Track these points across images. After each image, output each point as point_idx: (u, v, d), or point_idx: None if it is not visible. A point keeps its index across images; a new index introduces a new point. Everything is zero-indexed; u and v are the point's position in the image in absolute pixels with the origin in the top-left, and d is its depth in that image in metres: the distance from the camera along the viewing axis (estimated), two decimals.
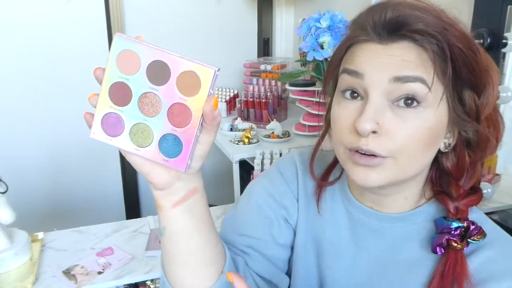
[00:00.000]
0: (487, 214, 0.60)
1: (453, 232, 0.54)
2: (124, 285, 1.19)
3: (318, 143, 0.67)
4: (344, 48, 0.56)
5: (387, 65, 0.50)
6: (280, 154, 1.66)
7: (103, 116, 0.48)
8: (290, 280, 0.71)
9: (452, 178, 0.58)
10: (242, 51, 2.57)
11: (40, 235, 1.28)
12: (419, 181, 0.59)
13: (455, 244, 0.54)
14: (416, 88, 0.50)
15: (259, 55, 2.64)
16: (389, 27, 0.51)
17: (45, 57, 2.18)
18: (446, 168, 0.57)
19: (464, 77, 0.51)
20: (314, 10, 1.37)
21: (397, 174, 0.53)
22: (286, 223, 0.70)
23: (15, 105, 2.19)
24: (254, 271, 0.67)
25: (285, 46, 2.68)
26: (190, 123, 0.47)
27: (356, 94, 0.53)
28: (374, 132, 0.51)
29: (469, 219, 0.55)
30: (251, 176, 1.74)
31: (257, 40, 2.65)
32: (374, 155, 0.52)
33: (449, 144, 0.56)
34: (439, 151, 0.56)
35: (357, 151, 0.52)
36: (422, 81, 0.50)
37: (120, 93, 0.47)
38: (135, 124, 0.48)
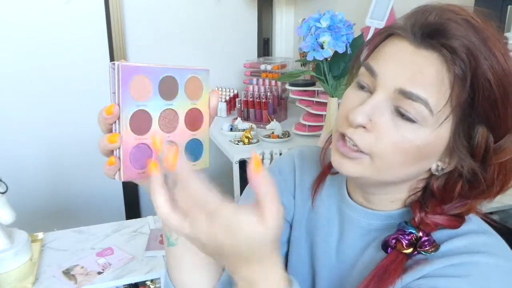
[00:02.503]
0: (487, 214, 0.60)
1: (405, 235, 0.54)
2: (124, 285, 1.19)
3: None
4: (383, 37, 0.54)
5: (401, 72, 0.49)
6: (280, 154, 1.66)
7: (130, 152, 0.45)
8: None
9: (434, 197, 0.56)
10: (242, 51, 2.57)
11: (40, 235, 1.28)
12: (405, 189, 0.59)
13: (400, 247, 0.54)
14: (416, 107, 0.48)
15: (259, 55, 2.64)
16: (426, 31, 0.48)
17: (45, 57, 2.18)
18: (431, 187, 0.56)
19: (480, 112, 0.48)
20: (314, 10, 1.37)
21: (372, 173, 0.54)
22: (283, 220, 0.70)
23: (15, 105, 2.19)
24: None
25: (285, 46, 2.68)
26: (203, 122, 0.51)
27: (366, 88, 0.54)
28: (364, 127, 0.51)
29: (429, 234, 0.54)
30: None
31: (257, 40, 2.65)
32: (355, 147, 0.53)
33: (442, 169, 0.54)
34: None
35: (343, 136, 0.54)
36: (425, 103, 0.48)
37: (140, 121, 0.46)
38: None
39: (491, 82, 0.47)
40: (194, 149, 0.51)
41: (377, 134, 0.51)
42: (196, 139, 0.51)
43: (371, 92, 0.53)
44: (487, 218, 0.59)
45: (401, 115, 0.50)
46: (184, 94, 0.49)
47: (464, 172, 0.53)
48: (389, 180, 0.55)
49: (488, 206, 0.57)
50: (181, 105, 0.49)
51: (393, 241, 0.55)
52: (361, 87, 0.54)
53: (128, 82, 0.44)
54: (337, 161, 0.55)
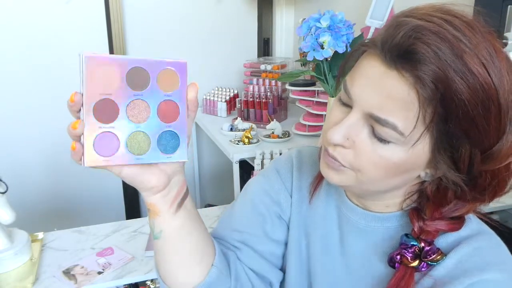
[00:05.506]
0: (487, 214, 0.60)
1: (408, 249, 0.54)
2: (124, 285, 1.19)
3: None
4: (359, 53, 0.54)
5: (371, 96, 0.49)
6: (280, 154, 1.66)
7: (94, 139, 0.46)
8: (284, 275, 0.72)
9: (429, 201, 0.56)
10: (242, 51, 2.57)
11: (40, 235, 1.28)
12: (398, 194, 0.59)
13: (406, 261, 0.54)
14: (386, 131, 0.49)
15: (259, 55, 2.64)
16: (394, 53, 0.47)
17: (44, 57, 2.18)
18: (425, 190, 0.56)
19: (457, 130, 0.47)
20: (314, 10, 1.37)
21: (357, 184, 0.55)
22: (280, 219, 0.71)
23: (15, 105, 2.19)
24: (246, 265, 0.68)
25: (285, 46, 2.68)
26: (180, 115, 0.50)
27: (347, 104, 0.54)
28: (342, 145, 0.52)
29: (431, 242, 0.54)
30: (251, 176, 1.74)
31: (257, 40, 2.65)
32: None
33: (432, 175, 0.53)
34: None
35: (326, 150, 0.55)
36: (394, 127, 0.48)
37: (106, 110, 0.46)
38: (130, 135, 0.48)
39: (466, 101, 0.45)
40: (169, 141, 0.50)
41: (355, 152, 0.52)
42: (171, 130, 0.50)
43: (351, 107, 0.53)
44: (487, 218, 0.59)
45: (376, 135, 0.50)
46: (156, 86, 0.49)
47: (449, 184, 0.53)
48: (375, 190, 0.56)
49: (488, 206, 0.57)
50: (153, 96, 0.49)
51: (398, 257, 0.55)
52: (343, 103, 0.55)
53: (93, 72, 0.45)
54: (323, 169, 0.57)
